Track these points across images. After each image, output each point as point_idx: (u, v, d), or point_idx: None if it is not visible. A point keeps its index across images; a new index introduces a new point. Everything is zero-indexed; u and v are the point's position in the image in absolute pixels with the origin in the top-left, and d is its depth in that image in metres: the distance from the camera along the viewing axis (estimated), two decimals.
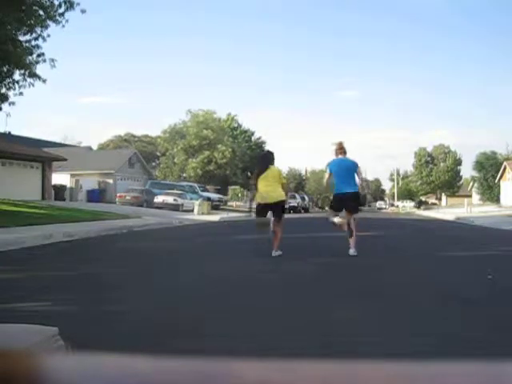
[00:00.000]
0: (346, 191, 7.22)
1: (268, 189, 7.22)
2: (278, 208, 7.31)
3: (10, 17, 12.96)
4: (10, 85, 14.73)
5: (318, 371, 0.52)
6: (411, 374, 0.51)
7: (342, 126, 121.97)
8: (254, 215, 7.64)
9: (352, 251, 7.06)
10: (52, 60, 15.06)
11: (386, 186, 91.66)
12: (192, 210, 24.96)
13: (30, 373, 0.54)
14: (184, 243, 9.76)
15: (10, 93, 14.97)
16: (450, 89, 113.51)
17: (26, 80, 14.78)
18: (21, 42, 14.61)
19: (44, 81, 15.09)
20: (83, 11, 14.94)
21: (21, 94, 14.98)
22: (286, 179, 8.11)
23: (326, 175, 7.56)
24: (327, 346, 2.66)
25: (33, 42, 14.79)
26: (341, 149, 7.43)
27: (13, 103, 15.23)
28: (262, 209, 7.36)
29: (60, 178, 29.73)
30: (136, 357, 0.55)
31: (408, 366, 0.54)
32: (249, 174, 48.45)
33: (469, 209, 27.92)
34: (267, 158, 7.63)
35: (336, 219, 7.28)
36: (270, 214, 7.39)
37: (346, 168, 7.32)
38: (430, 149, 66.59)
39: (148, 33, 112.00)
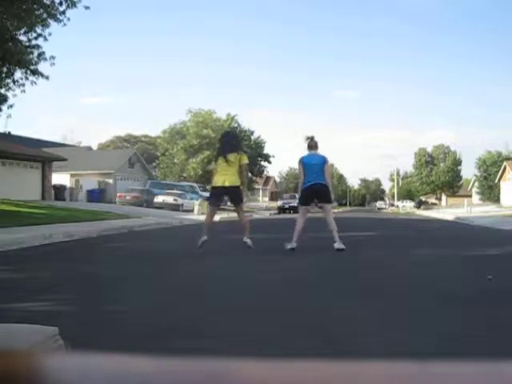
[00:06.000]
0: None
1: (227, 173, 7.23)
2: (234, 193, 7.38)
3: (10, 14, 12.95)
4: (10, 85, 14.70)
5: (318, 371, 0.52)
6: (411, 373, 0.51)
7: (342, 126, 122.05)
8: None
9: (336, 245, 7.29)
10: (52, 57, 15.01)
11: (386, 186, 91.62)
12: (192, 210, 24.96)
13: (31, 373, 0.54)
14: (184, 243, 9.74)
15: (11, 93, 14.96)
16: (450, 89, 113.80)
17: (27, 78, 14.73)
18: (21, 41, 14.58)
19: (47, 77, 15.03)
20: (87, 7, 14.88)
21: (23, 91, 14.94)
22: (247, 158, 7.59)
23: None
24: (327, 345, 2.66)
25: (33, 42, 14.78)
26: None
27: (11, 106, 15.22)
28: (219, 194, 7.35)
29: (60, 178, 29.74)
30: (136, 357, 0.55)
31: (408, 365, 0.54)
32: (249, 174, 48.48)
33: (469, 209, 27.89)
34: (233, 142, 7.47)
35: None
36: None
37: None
38: (429, 149, 66.64)
39: (148, 33, 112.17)
